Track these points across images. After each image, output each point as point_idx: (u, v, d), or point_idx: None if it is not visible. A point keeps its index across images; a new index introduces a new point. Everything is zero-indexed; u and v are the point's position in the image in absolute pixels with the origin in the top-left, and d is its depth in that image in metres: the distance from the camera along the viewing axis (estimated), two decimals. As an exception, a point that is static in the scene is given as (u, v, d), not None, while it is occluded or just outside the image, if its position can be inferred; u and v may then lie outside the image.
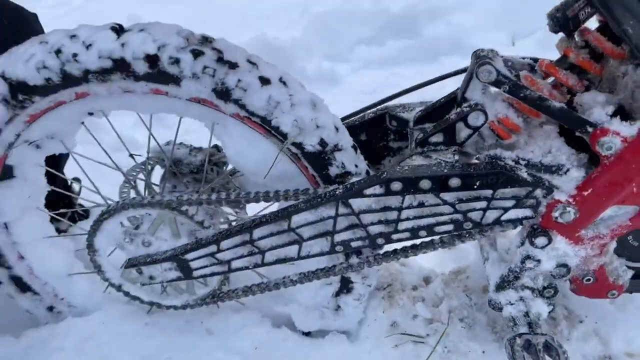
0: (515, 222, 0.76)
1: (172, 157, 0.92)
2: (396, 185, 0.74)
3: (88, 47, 0.73)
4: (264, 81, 0.75)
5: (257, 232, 0.81)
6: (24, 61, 0.76)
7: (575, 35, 0.72)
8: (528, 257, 0.77)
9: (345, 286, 0.95)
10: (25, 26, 1.00)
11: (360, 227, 0.79)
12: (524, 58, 0.79)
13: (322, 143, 0.78)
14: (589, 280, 0.81)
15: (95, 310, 1.02)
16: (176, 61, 0.73)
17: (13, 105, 0.79)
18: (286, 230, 0.79)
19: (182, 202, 0.82)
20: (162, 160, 0.93)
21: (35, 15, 1.03)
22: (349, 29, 1.73)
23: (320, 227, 0.80)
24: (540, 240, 0.76)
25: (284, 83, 0.77)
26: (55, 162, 0.99)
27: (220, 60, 0.74)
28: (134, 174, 0.96)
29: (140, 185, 0.95)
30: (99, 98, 0.79)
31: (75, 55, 0.73)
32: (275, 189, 0.81)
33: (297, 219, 0.78)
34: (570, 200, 0.73)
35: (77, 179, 1.21)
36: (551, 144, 0.75)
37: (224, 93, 0.75)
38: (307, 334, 0.99)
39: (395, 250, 0.86)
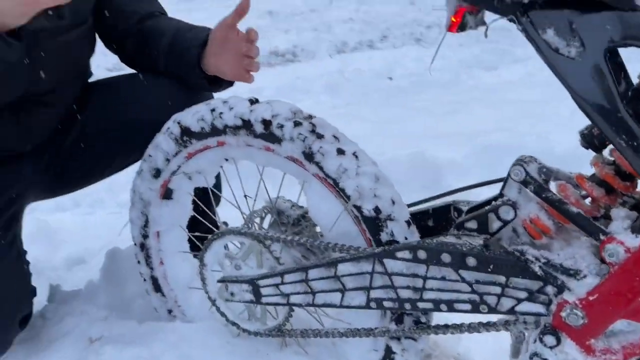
0: (529, 316, 0.80)
1: (277, 208, 1.16)
2: (422, 254, 0.85)
3: (230, 109, 1.04)
4: (340, 152, 0.96)
5: (312, 273, 0.98)
6: (192, 114, 1.10)
7: (606, 152, 0.78)
8: (536, 354, 0.79)
9: (388, 355, 1.03)
10: None
11: (392, 288, 0.90)
12: (571, 173, 0.86)
13: (377, 210, 0.94)
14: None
15: (199, 321, 1.26)
16: (281, 127, 0.99)
17: (179, 144, 1.13)
18: (333, 276, 0.95)
19: (265, 237, 1.04)
20: (271, 209, 1.17)
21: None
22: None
23: (360, 281, 0.94)
24: (549, 339, 0.77)
25: (356, 157, 0.97)
26: (208, 199, 1.30)
27: (313, 131, 0.98)
28: (253, 216, 1.21)
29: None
30: (231, 147, 1.08)
31: (221, 113, 1.05)
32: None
33: (342, 268, 0.94)
34: (578, 303, 0.75)
35: (225, 223, 1.52)
36: (578, 251, 0.79)
37: (309, 155, 0.97)
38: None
39: (428, 326, 0.93)
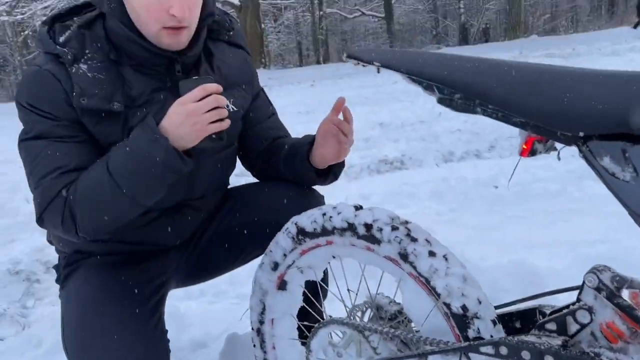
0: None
1: (377, 303, 1.30)
2: (503, 350, 0.94)
3: (338, 214, 1.24)
4: (431, 254, 1.10)
5: (404, 363, 1.09)
6: (307, 217, 1.31)
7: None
8: None
9: None
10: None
11: (476, 381, 0.99)
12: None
13: (464, 308, 1.05)
14: None
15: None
16: (380, 230, 1.16)
17: (295, 241, 1.33)
18: (423, 366, 1.06)
19: (365, 328, 1.18)
20: (371, 304, 1.32)
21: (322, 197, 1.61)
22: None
23: (448, 373, 1.03)
24: None
25: (446, 259, 1.10)
26: (316, 292, 1.48)
27: (408, 235, 1.14)
28: (355, 310, 1.36)
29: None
30: (338, 246, 1.26)
31: (331, 217, 1.25)
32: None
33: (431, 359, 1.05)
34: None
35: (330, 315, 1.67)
36: (654, 356, 0.84)
37: (404, 256, 1.12)
38: None
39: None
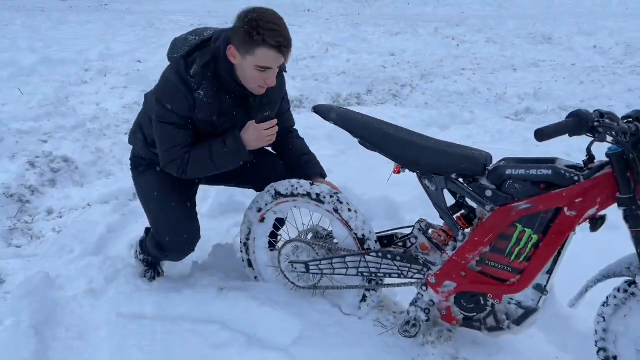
0: (419, 279, 2.14)
1: (316, 230, 2.49)
2: (381, 254, 2.19)
3: (301, 186, 2.37)
4: (349, 210, 2.30)
5: (334, 260, 2.31)
6: (282, 185, 2.43)
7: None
8: (419, 293, 2.14)
9: (364, 298, 2.36)
10: None
11: (367, 267, 2.24)
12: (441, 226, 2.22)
13: (363, 235, 2.28)
14: (444, 313, 2.12)
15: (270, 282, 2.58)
16: (325, 197, 2.32)
17: (274, 198, 2.45)
18: (343, 262, 2.28)
19: (311, 243, 2.38)
20: (313, 230, 2.51)
21: None
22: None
23: (355, 264, 2.27)
24: (424, 288, 2.12)
25: (356, 212, 2.30)
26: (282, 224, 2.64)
27: (338, 200, 2.31)
28: (304, 233, 2.54)
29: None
30: (299, 203, 2.41)
31: (297, 188, 2.38)
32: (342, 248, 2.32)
33: (348, 258, 2.27)
34: (433, 274, 2.10)
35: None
36: (436, 256, 2.14)
37: (336, 210, 2.31)
38: (346, 315, 2.42)
39: (382, 284, 2.28)
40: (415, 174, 2.10)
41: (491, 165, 1.99)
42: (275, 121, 2.22)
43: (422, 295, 2.15)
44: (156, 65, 6.69)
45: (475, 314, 2.09)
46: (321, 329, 2.29)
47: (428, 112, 5.09)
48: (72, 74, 6.54)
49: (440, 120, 4.94)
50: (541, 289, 1.95)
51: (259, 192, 2.49)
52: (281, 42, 2.01)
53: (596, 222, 1.85)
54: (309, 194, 2.34)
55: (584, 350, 2.11)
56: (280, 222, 2.59)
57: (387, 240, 2.36)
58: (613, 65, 7.25)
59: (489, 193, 1.94)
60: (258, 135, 2.21)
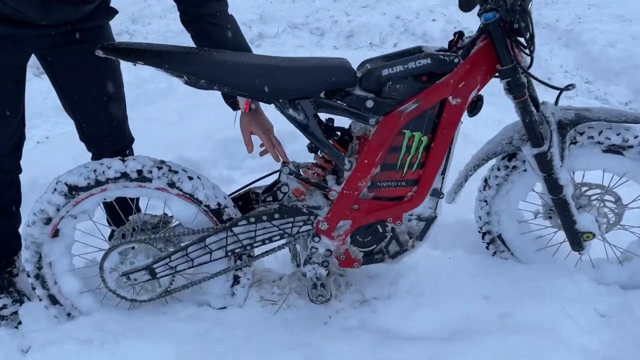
0: (306, 232, 1.73)
1: (142, 220, 1.82)
2: (252, 219, 1.68)
3: (109, 168, 1.65)
4: (190, 178, 1.70)
5: (190, 249, 1.71)
6: (77, 175, 1.65)
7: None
8: (312, 247, 1.74)
9: (236, 280, 1.85)
10: None
11: (239, 241, 1.72)
12: (307, 163, 1.81)
13: (218, 204, 1.72)
14: (343, 257, 1.78)
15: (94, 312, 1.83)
16: (150, 172, 1.66)
17: (69, 197, 1.66)
18: (204, 247, 1.71)
19: (152, 239, 1.72)
20: (138, 220, 1.82)
21: None
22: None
23: (220, 244, 1.72)
24: (316, 239, 1.73)
25: (199, 178, 1.71)
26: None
27: (170, 170, 1.68)
28: (124, 229, 1.83)
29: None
30: (111, 191, 1.68)
31: (103, 172, 1.64)
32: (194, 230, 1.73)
33: (208, 240, 1.70)
34: (323, 219, 1.71)
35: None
36: (319, 199, 1.74)
37: (172, 184, 1.68)
38: (221, 309, 1.87)
39: (254, 257, 1.79)
40: (273, 105, 1.62)
41: (359, 71, 1.64)
42: None
43: (316, 248, 1.75)
44: None
45: (375, 245, 1.80)
46: (200, 341, 1.71)
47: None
48: None
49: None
50: (437, 193, 1.75)
51: (40, 196, 1.67)
52: None
53: (476, 104, 1.69)
54: (125, 175, 1.65)
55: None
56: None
57: (242, 202, 1.85)
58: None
59: (369, 104, 1.60)
60: None
